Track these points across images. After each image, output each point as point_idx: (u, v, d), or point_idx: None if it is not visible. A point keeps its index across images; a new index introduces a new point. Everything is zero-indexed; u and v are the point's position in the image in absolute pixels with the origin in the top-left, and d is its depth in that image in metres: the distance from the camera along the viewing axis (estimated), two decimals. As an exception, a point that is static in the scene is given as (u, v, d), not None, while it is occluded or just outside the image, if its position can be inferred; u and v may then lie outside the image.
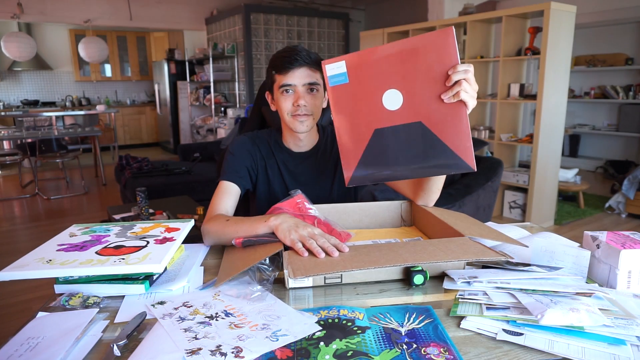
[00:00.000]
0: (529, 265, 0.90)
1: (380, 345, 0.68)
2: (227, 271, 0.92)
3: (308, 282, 0.89)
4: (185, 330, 0.73)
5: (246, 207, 1.57)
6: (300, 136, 1.31)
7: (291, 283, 0.88)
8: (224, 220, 1.10)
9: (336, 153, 1.40)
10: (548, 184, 3.81)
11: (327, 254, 0.87)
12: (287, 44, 6.34)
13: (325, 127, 1.43)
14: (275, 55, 1.24)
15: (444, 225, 1.04)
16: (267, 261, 0.92)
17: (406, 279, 0.90)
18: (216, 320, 0.76)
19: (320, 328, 0.72)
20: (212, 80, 6.48)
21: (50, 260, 0.90)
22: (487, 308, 0.77)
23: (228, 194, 1.26)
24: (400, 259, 0.83)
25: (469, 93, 0.92)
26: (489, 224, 1.19)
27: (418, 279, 0.88)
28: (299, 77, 1.20)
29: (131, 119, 8.73)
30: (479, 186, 2.59)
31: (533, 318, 0.71)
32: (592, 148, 6.20)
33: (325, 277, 0.89)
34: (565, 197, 4.55)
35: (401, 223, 1.27)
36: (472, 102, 0.93)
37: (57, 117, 6.68)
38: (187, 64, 7.28)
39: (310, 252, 0.88)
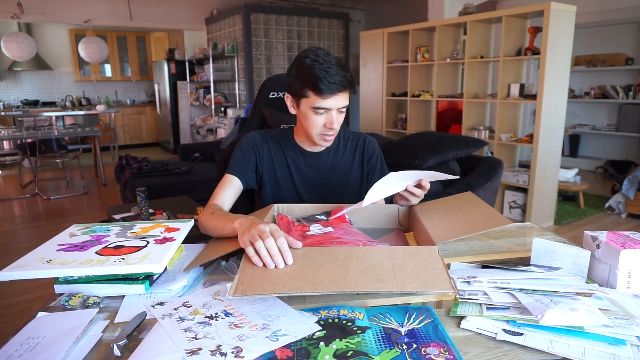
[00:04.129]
0: (528, 265, 0.90)
1: (380, 345, 0.68)
2: (196, 260, 0.97)
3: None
4: (185, 330, 0.72)
5: (251, 205, 1.57)
6: None
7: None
8: (210, 212, 1.12)
9: (354, 159, 1.42)
10: (548, 184, 3.81)
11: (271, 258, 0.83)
12: (287, 44, 6.35)
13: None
14: (308, 69, 1.17)
15: (426, 231, 1.07)
16: None
17: None
18: (216, 320, 0.76)
19: (320, 328, 0.72)
20: (212, 80, 6.48)
21: (50, 260, 0.90)
22: (487, 308, 0.77)
23: (229, 186, 1.27)
24: (343, 283, 0.76)
25: None
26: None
27: None
28: (337, 101, 1.20)
29: (131, 119, 8.73)
30: (479, 186, 2.59)
31: (533, 318, 0.71)
32: (592, 148, 6.20)
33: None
34: (565, 197, 4.54)
35: (398, 227, 1.27)
36: None
37: (57, 117, 6.68)
38: (187, 64, 7.27)
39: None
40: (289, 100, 1.29)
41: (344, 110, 1.24)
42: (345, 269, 0.81)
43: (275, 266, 0.83)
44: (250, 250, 0.86)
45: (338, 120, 1.23)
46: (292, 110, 1.30)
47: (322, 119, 1.22)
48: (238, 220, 0.96)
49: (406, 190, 1.19)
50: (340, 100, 1.20)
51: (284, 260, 0.84)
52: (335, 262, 0.84)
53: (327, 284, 0.77)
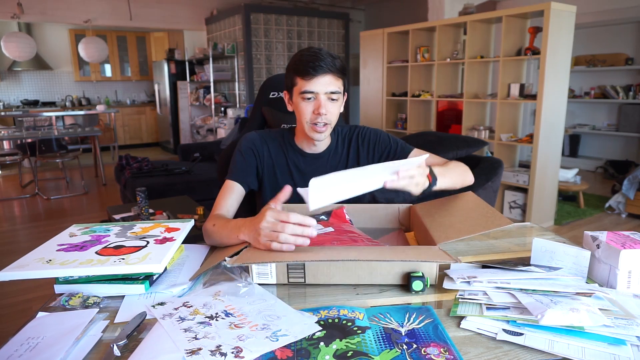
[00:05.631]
0: (528, 265, 0.90)
1: (381, 345, 0.68)
2: (202, 268, 0.98)
3: (272, 279, 0.92)
4: (185, 330, 0.72)
5: (251, 206, 1.57)
6: (316, 142, 1.30)
7: (255, 279, 0.92)
8: (212, 225, 1.11)
9: (349, 153, 1.39)
10: (548, 184, 3.81)
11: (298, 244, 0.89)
12: (287, 44, 6.35)
13: (336, 128, 1.40)
14: (298, 57, 1.19)
15: (427, 231, 1.06)
16: None
17: (406, 284, 0.89)
18: (216, 320, 0.76)
19: (320, 328, 0.72)
20: (212, 80, 6.48)
21: (50, 260, 0.90)
22: (487, 308, 0.77)
23: (230, 193, 1.26)
24: (344, 254, 0.86)
25: None
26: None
27: (417, 285, 0.86)
28: (322, 84, 1.17)
29: (131, 119, 8.73)
30: (479, 186, 2.59)
31: (533, 318, 0.71)
32: (592, 148, 6.20)
33: (288, 276, 0.91)
34: (565, 197, 4.54)
35: (398, 226, 1.26)
36: None
37: (57, 117, 6.68)
38: (187, 64, 7.27)
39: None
40: (286, 97, 1.28)
41: (336, 97, 1.20)
42: (346, 250, 0.90)
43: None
44: (275, 246, 0.89)
45: (327, 107, 1.19)
46: (289, 107, 1.28)
47: (310, 106, 1.20)
48: (242, 233, 0.97)
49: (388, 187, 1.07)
50: (327, 83, 1.17)
51: (308, 235, 0.88)
52: (336, 249, 0.91)
53: (329, 255, 0.84)
